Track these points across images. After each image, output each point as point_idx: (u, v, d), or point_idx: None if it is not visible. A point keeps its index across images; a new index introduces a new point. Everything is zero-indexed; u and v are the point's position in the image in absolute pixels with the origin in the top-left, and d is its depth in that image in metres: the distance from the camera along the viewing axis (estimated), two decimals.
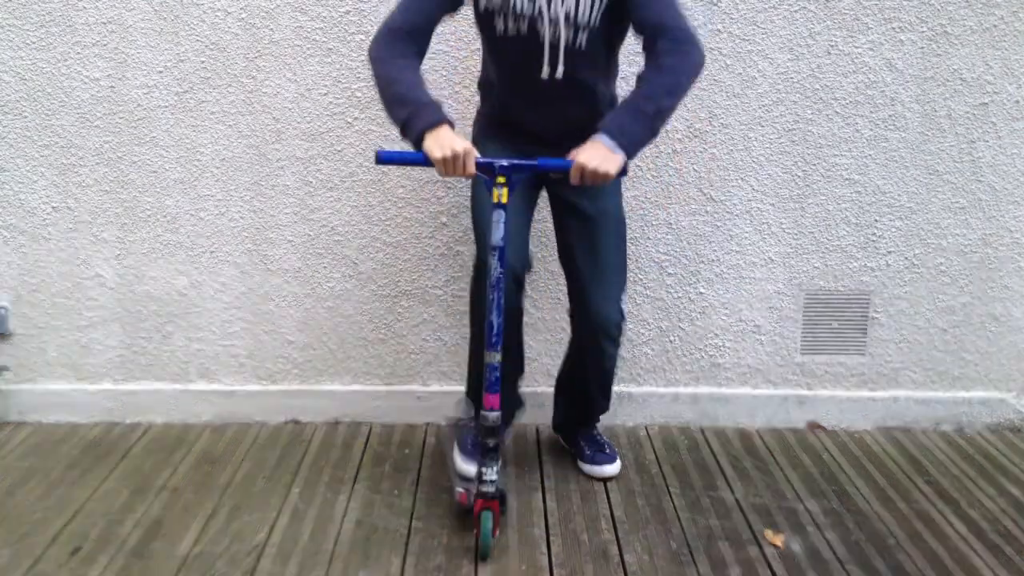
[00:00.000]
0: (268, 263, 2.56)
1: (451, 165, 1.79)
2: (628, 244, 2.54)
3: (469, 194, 2.21)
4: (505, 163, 1.86)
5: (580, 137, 1.85)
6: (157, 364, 2.62)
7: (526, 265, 2.11)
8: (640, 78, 1.86)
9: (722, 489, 2.27)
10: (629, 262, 2.55)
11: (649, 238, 2.56)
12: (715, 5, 2.41)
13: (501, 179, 1.86)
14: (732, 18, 2.42)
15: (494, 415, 1.92)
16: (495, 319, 1.90)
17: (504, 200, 1.86)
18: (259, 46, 2.42)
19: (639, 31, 1.90)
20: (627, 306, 2.37)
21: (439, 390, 2.64)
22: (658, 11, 1.86)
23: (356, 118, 2.46)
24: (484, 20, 1.98)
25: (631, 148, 1.82)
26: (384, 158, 1.86)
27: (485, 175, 1.87)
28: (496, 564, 1.91)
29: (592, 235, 2.12)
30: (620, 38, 2.04)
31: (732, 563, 1.94)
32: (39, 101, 2.44)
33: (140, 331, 2.60)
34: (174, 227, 2.53)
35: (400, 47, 1.89)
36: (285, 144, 2.48)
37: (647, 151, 2.49)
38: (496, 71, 2.06)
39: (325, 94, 2.45)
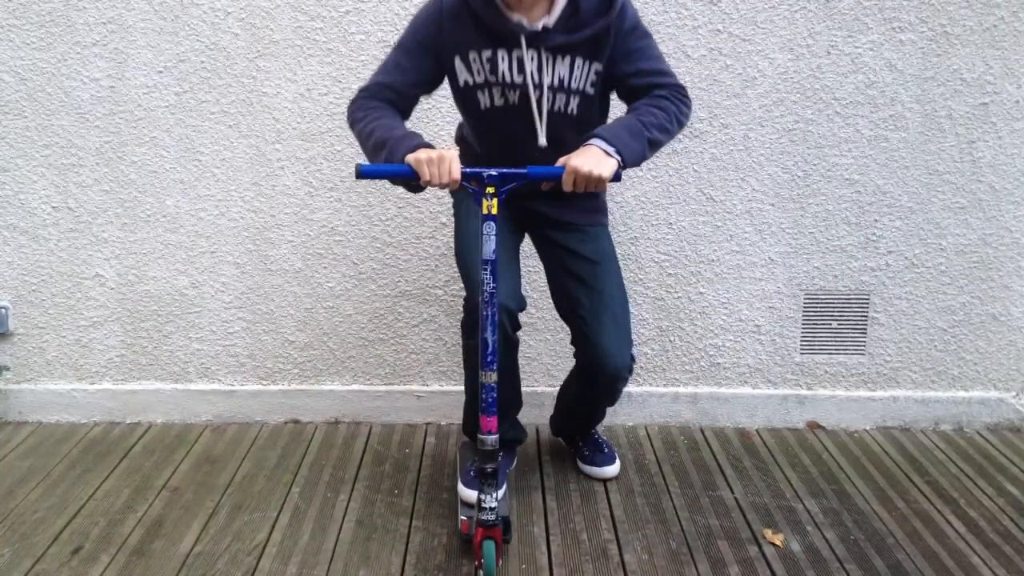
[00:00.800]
0: (268, 263, 2.56)
1: (435, 166, 1.68)
2: (629, 244, 2.55)
3: None
4: (494, 172, 1.75)
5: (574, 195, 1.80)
6: (157, 364, 2.62)
7: (521, 303, 2.02)
8: (634, 107, 1.84)
9: (721, 489, 2.27)
10: (629, 262, 2.56)
11: (649, 238, 2.56)
12: (715, 5, 2.41)
13: (490, 189, 1.75)
14: (732, 18, 2.42)
15: (492, 439, 1.82)
16: (490, 337, 1.80)
17: (495, 211, 1.76)
18: (259, 46, 2.42)
19: (628, 80, 1.86)
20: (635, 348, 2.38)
21: (439, 390, 2.64)
22: (653, 70, 1.85)
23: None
24: (465, 95, 1.90)
25: (626, 151, 1.74)
26: (365, 172, 1.73)
27: (472, 185, 1.77)
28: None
29: (596, 281, 2.03)
30: (608, 102, 1.99)
31: (731, 562, 1.94)
32: (39, 101, 2.44)
33: (140, 331, 2.60)
34: (174, 227, 2.54)
35: (376, 103, 1.84)
36: (285, 144, 2.49)
37: None
38: (482, 142, 1.99)
39: (325, 94, 2.45)
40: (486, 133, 1.97)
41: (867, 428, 2.67)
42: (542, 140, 1.87)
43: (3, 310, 2.56)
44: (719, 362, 2.65)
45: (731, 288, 2.60)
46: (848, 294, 2.61)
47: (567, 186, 1.73)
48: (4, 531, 2.03)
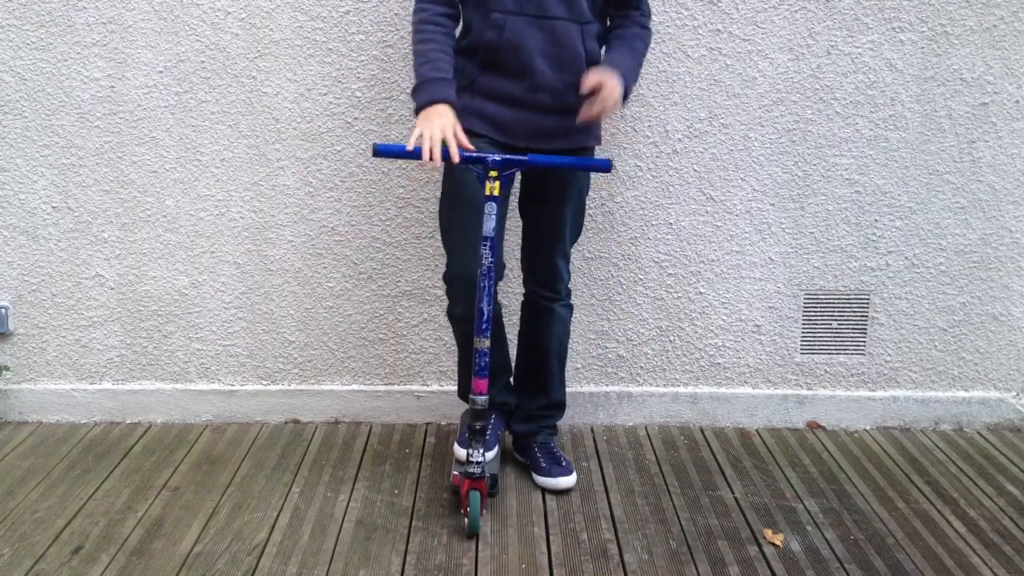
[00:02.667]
0: (268, 263, 2.56)
1: (425, 143, 1.84)
2: (629, 244, 2.55)
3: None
4: (497, 157, 1.90)
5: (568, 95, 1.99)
6: (157, 364, 2.62)
7: (501, 273, 2.12)
8: (617, 34, 2.05)
9: (721, 488, 2.27)
10: (629, 262, 2.56)
11: (649, 238, 2.56)
12: (715, 5, 2.41)
13: (493, 172, 1.90)
14: (732, 18, 2.42)
15: (482, 399, 1.99)
16: (485, 307, 1.95)
17: (496, 192, 1.91)
18: (259, 46, 2.42)
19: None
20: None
21: (439, 390, 2.64)
22: None
23: (356, 118, 2.46)
24: None
25: (631, 86, 1.98)
26: (381, 151, 1.90)
27: (477, 168, 1.92)
28: (496, 563, 1.92)
29: (552, 202, 2.15)
30: None
31: (731, 562, 1.94)
32: (39, 101, 2.44)
33: (140, 331, 2.60)
34: (174, 227, 2.54)
35: (432, 8, 1.98)
36: (285, 144, 2.49)
37: (647, 151, 2.50)
38: (499, 15, 1.98)
39: (325, 94, 2.45)
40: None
41: (867, 428, 2.67)
42: None
43: (3, 310, 2.56)
44: (719, 362, 2.65)
45: (731, 288, 2.60)
46: (848, 294, 2.61)
47: (587, 112, 1.94)
48: (4, 531, 2.03)
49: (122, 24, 2.40)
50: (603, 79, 1.90)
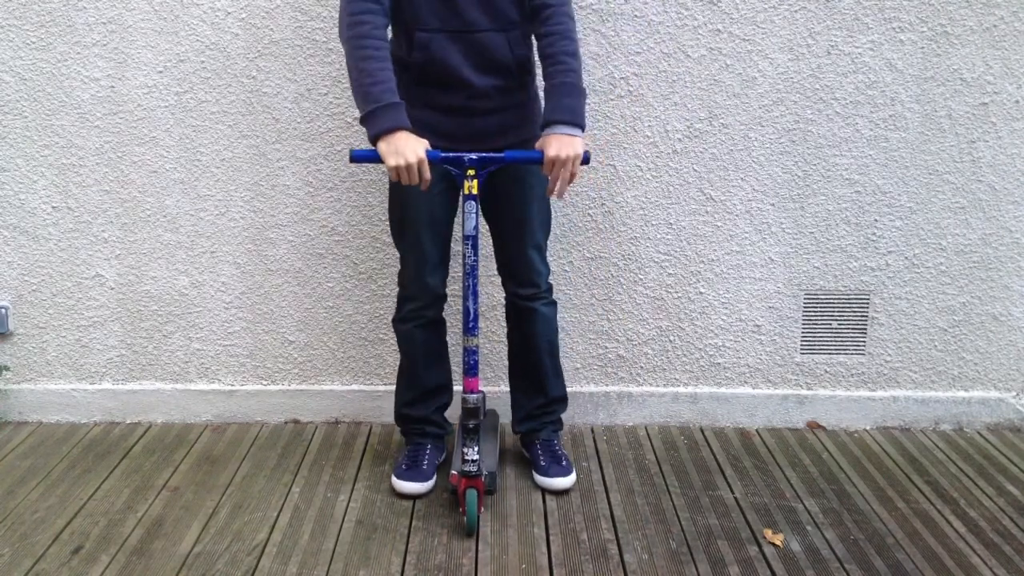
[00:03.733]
0: (268, 263, 2.56)
1: (404, 173, 1.85)
2: (629, 244, 2.55)
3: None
4: (474, 156, 1.93)
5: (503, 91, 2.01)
6: (157, 364, 2.62)
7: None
8: (546, 53, 1.96)
9: (721, 488, 2.27)
10: (629, 262, 2.56)
11: (649, 238, 2.56)
12: (715, 5, 2.41)
13: (471, 171, 1.93)
14: (732, 18, 2.42)
15: (474, 397, 2.01)
16: (471, 305, 1.99)
17: (476, 191, 1.94)
18: (259, 46, 2.42)
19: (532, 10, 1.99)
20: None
21: None
22: None
23: (356, 118, 2.46)
24: None
25: (581, 120, 1.93)
26: (357, 156, 1.91)
27: (454, 168, 1.94)
28: (496, 563, 1.92)
29: (521, 211, 2.15)
30: None
31: (731, 562, 1.94)
32: (39, 101, 2.44)
33: (140, 331, 2.60)
34: (174, 227, 2.54)
35: (371, 17, 1.89)
36: (285, 144, 2.49)
37: (647, 151, 2.50)
38: (421, 18, 1.98)
39: (325, 94, 2.45)
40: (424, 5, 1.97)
41: (867, 428, 2.67)
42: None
43: (3, 310, 2.56)
44: (719, 362, 2.65)
45: (731, 288, 2.60)
46: (848, 294, 2.61)
47: (547, 169, 1.92)
48: (4, 531, 2.03)
49: (122, 24, 2.40)
50: (552, 153, 1.90)
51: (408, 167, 1.84)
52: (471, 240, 1.97)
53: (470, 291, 1.99)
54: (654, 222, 2.55)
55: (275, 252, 2.56)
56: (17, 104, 2.44)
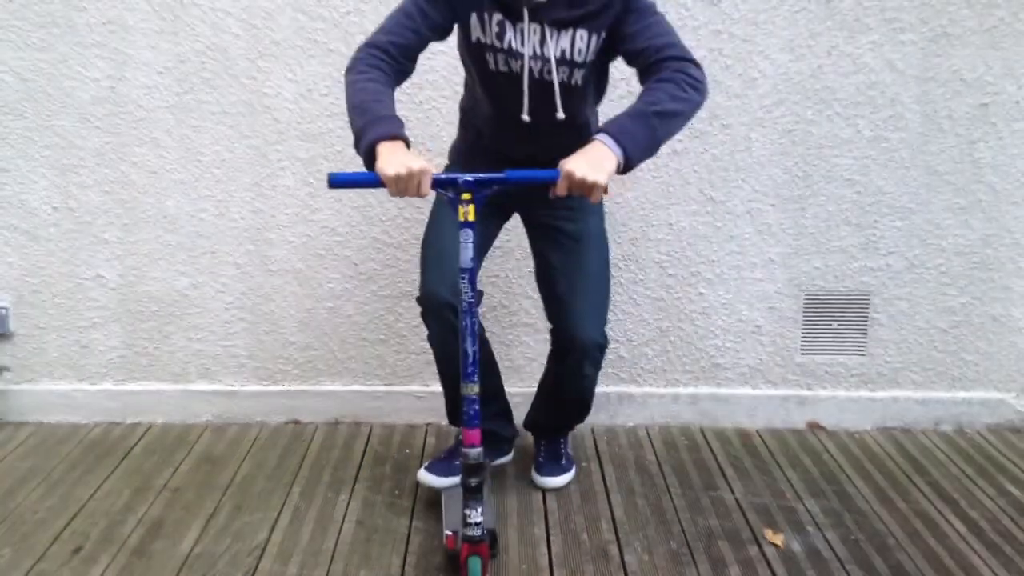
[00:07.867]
0: (269, 264, 2.56)
1: (403, 183, 1.59)
2: (629, 244, 2.55)
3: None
4: (469, 178, 1.65)
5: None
6: (158, 364, 2.62)
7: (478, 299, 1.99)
8: (646, 88, 1.75)
9: (722, 489, 2.27)
10: (629, 262, 2.56)
11: (650, 238, 2.56)
12: (715, 5, 2.41)
13: (466, 195, 1.66)
14: (733, 19, 2.42)
15: (475, 452, 1.72)
16: (470, 348, 1.70)
17: (471, 218, 1.66)
18: (260, 47, 2.43)
19: (636, 61, 1.77)
20: (610, 331, 2.37)
21: (439, 390, 2.61)
22: (659, 40, 1.74)
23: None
24: (475, 52, 1.84)
25: (632, 146, 1.65)
26: (336, 181, 1.62)
27: (447, 191, 1.68)
28: (496, 563, 1.92)
29: (576, 258, 2.02)
30: (608, 68, 1.95)
31: (732, 563, 1.94)
32: (40, 101, 2.45)
33: (141, 331, 2.60)
34: (175, 227, 2.54)
35: (377, 63, 1.74)
36: (286, 145, 2.49)
37: None
38: (486, 104, 1.93)
39: (326, 94, 2.45)
40: (491, 95, 1.91)
41: (868, 428, 2.67)
42: (525, 115, 1.84)
43: (3, 310, 2.56)
44: (719, 362, 2.65)
45: (731, 288, 2.60)
46: (848, 294, 2.61)
47: (561, 190, 1.63)
48: (4, 531, 2.03)
49: (122, 24, 2.40)
50: (568, 167, 1.61)
51: (409, 175, 1.58)
52: (467, 274, 1.68)
53: (467, 331, 1.69)
54: (655, 222, 2.55)
55: (275, 253, 2.56)
56: (18, 104, 2.45)
